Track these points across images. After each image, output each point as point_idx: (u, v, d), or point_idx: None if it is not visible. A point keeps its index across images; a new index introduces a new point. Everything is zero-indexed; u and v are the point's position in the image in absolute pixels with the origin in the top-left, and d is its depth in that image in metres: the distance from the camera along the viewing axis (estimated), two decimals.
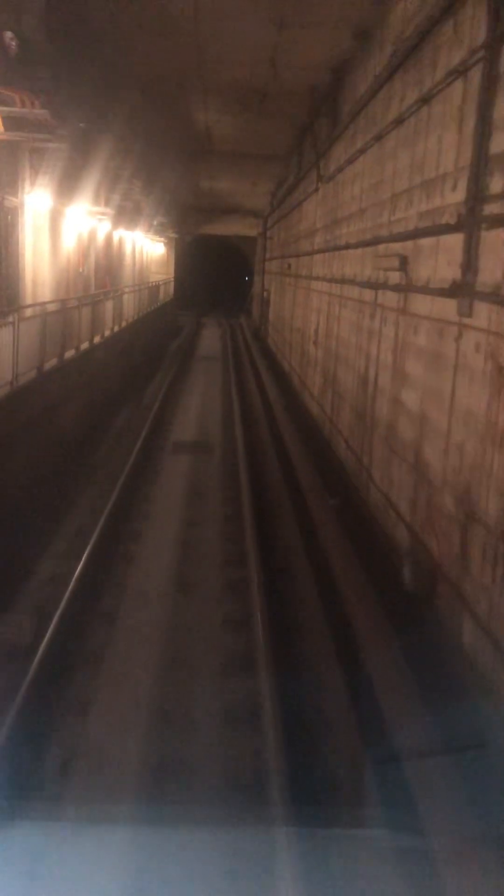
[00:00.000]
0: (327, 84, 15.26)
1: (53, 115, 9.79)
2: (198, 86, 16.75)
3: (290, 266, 24.82)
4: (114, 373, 19.75)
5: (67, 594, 7.49)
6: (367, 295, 11.28)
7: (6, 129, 11.64)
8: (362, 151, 12.04)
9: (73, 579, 7.84)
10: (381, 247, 10.31)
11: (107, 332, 19.02)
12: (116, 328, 20.61)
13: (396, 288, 9.39)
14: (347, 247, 13.31)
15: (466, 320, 6.82)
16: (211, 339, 38.16)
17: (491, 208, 6.36)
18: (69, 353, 14.42)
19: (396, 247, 9.47)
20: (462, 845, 4.10)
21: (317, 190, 17.72)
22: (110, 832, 4.12)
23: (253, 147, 24.47)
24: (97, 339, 17.60)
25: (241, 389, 21.59)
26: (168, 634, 7.36)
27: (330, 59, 13.87)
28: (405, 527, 8.40)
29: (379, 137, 10.75)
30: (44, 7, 9.53)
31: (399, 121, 9.57)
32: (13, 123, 11.59)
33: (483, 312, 6.44)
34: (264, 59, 14.39)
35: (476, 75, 6.77)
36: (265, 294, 36.58)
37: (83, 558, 8.38)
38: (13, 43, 10.18)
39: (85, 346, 16.04)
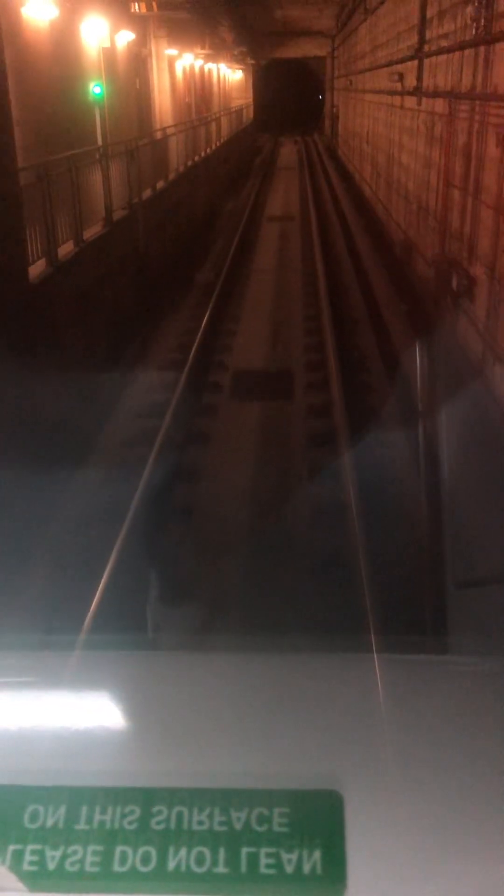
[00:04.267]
0: None
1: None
2: None
3: (351, 82, 30.35)
4: (221, 174, 26.54)
5: (224, 272, 14.94)
6: (386, 99, 17.72)
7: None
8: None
9: (229, 257, 15.32)
10: (391, 67, 16.67)
11: (210, 149, 25.63)
12: (217, 144, 27.13)
13: (396, 93, 15.88)
14: (380, 66, 19.45)
15: (419, 107, 13.48)
16: (288, 154, 43.85)
17: (426, 47, 12.86)
18: (194, 161, 21.30)
19: (399, 67, 15.83)
20: None
21: (364, 21, 23.39)
22: None
23: None
24: (206, 152, 24.31)
25: (313, 186, 28.26)
26: (274, 274, 14.83)
27: None
28: (401, 231, 15.42)
29: None
30: None
31: None
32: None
33: (426, 102, 13.09)
34: None
35: None
36: (334, 109, 41.68)
37: (226, 263, 15.78)
38: None
39: (201, 155, 22.83)
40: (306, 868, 0.90)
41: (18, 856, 0.91)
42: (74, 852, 0.91)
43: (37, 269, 8.22)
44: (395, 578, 5.02)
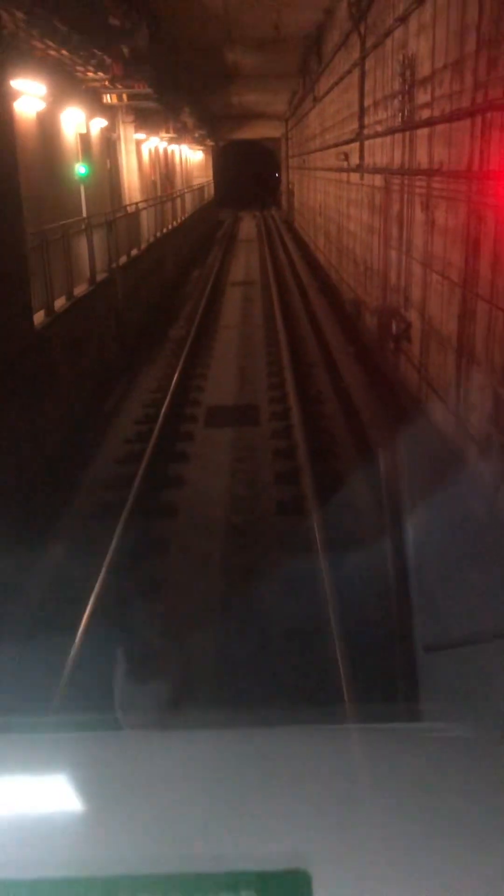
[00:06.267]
0: (314, 36, 23.25)
1: (154, 91, 18.33)
2: (227, 41, 24.83)
3: (304, 161, 32.92)
4: (185, 246, 28.53)
5: (195, 327, 16.56)
6: (335, 175, 19.83)
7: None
8: (330, 89, 20.31)
9: (196, 322, 16.96)
10: (338, 148, 18.80)
11: (176, 222, 27.67)
12: (182, 218, 29.23)
13: (343, 170, 17.93)
14: (328, 147, 21.67)
15: (362, 182, 15.43)
16: (248, 227, 46.62)
17: (365, 131, 14.87)
18: (161, 233, 23.20)
19: (344, 147, 17.91)
20: None
21: (313, 107, 25.87)
22: None
23: (269, 70, 32.23)
24: (171, 226, 26.30)
25: (272, 255, 30.44)
26: (239, 329, 16.46)
27: (313, 23, 21.95)
28: (351, 290, 17.24)
29: (338, 82, 19.02)
30: (147, 33, 17.91)
31: (341, 78, 17.89)
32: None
33: (367, 178, 15.02)
34: (270, 25, 22.48)
35: (358, 68, 15.17)
36: (290, 186, 44.55)
37: (196, 320, 17.42)
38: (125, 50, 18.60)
39: (168, 228, 24.78)
40: None
41: None
42: None
43: (38, 317, 9.70)
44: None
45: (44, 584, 6.39)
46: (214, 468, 9.03)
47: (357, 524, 6.97)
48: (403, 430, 9.00)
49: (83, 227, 12.71)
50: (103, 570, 6.24)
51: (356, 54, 15.28)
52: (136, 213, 19.58)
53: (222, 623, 5.85)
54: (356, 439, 9.55)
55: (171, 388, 11.79)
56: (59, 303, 10.75)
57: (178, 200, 28.57)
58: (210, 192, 50.24)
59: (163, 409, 10.71)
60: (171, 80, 23.47)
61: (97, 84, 18.11)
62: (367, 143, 14.84)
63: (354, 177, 16.22)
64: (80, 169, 14.97)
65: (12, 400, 8.06)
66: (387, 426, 9.47)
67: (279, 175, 58.56)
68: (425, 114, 9.78)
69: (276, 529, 7.46)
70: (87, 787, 1.14)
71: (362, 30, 14.61)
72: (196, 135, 41.30)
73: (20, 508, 7.72)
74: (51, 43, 12.69)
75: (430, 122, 9.50)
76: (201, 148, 49.07)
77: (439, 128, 9.09)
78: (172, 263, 24.05)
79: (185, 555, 7.02)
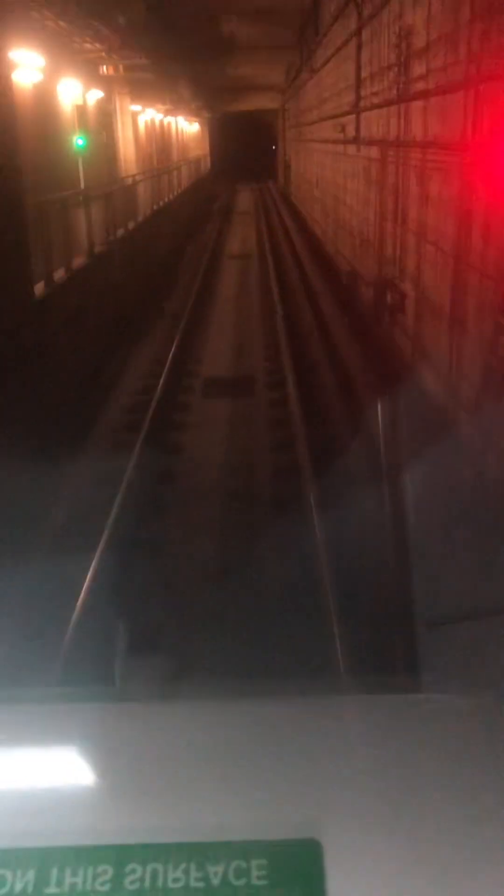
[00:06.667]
0: (311, 6, 23.12)
1: (151, 62, 18.29)
2: (224, 11, 24.68)
3: (301, 133, 32.79)
4: (182, 220, 28.54)
5: (192, 300, 16.68)
6: (331, 147, 19.85)
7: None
8: (328, 60, 20.26)
9: (192, 295, 17.08)
10: (335, 119, 18.80)
11: (173, 196, 27.63)
12: (178, 191, 29.18)
13: (340, 142, 17.96)
14: (325, 119, 21.64)
15: (358, 154, 15.49)
16: (245, 200, 46.43)
17: (362, 103, 14.91)
18: (158, 206, 23.21)
19: (342, 119, 17.93)
20: None
21: (310, 79, 25.75)
22: None
23: (267, 41, 31.99)
24: (168, 199, 26.28)
25: (269, 228, 30.44)
26: (236, 301, 16.58)
27: None
28: (347, 262, 17.36)
29: (335, 54, 18.98)
30: (144, 3, 17.87)
31: (338, 49, 17.86)
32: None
33: (363, 150, 15.09)
34: None
35: (355, 39, 15.18)
36: (286, 158, 44.33)
37: (193, 293, 17.53)
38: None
39: (164, 201, 24.77)
40: None
41: None
42: None
43: (38, 289, 9.85)
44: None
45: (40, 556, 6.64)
46: (211, 436, 9.24)
47: (348, 484, 7.18)
48: (396, 398, 9.23)
49: (81, 199, 12.80)
50: (108, 525, 6.49)
51: (353, 25, 15.26)
52: (134, 186, 19.60)
53: None
54: (350, 408, 9.75)
55: (169, 359, 11.95)
56: (59, 275, 10.89)
57: (175, 173, 28.51)
58: (206, 164, 49.98)
59: (161, 380, 10.89)
60: (168, 50, 23.35)
61: (94, 55, 18.07)
62: (363, 115, 14.88)
63: (351, 149, 16.27)
64: (78, 141, 15.00)
65: (15, 368, 8.24)
66: (380, 395, 9.67)
67: (276, 147, 58.20)
68: (420, 86, 9.87)
69: (271, 496, 7.69)
70: (95, 757, 1.15)
71: (359, 0, 14.61)
72: (192, 106, 41.04)
73: (26, 473, 7.93)
74: (48, 13, 12.71)
75: (424, 95, 9.60)
76: (197, 120, 48.72)
77: (433, 100, 9.20)
78: (169, 237, 24.07)
79: (183, 511, 7.26)
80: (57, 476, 8.07)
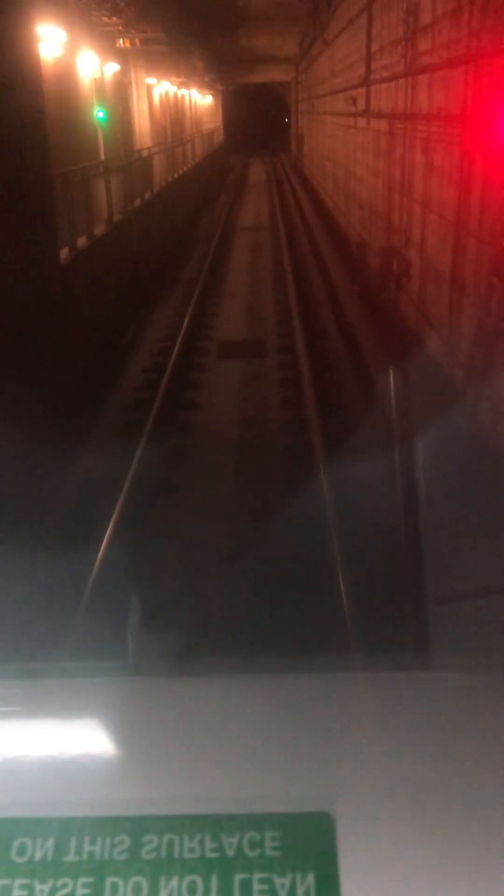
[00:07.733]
0: None
1: (166, 33, 18.70)
2: None
3: (313, 106, 33.02)
4: (195, 192, 28.97)
5: (206, 268, 17.21)
6: (343, 120, 20.24)
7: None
8: (340, 32, 20.58)
9: (206, 264, 17.61)
10: (347, 92, 19.17)
11: (187, 168, 28.02)
12: (192, 164, 29.55)
13: (352, 114, 18.37)
14: (337, 91, 21.98)
15: (369, 126, 15.92)
16: (257, 172, 46.70)
17: (372, 76, 15.31)
18: (172, 178, 23.65)
19: (352, 92, 18.31)
20: None
21: (323, 51, 26.01)
22: None
23: (280, 12, 32.17)
24: (182, 171, 26.68)
25: (281, 200, 30.85)
26: (248, 271, 17.13)
27: None
28: (357, 234, 17.83)
29: (347, 26, 19.31)
30: None
31: (350, 22, 18.22)
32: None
33: (373, 122, 15.52)
34: None
35: (366, 12, 15.55)
36: (299, 131, 44.49)
37: (207, 262, 18.06)
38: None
39: (178, 173, 25.20)
40: (300, 892, 0.89)
41: (6, 891, 0.90)
42: (64, 885, 0.90)
43: (63, 254, 10.44)
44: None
45: (75, 491, 7.30)
46: (226, 393, 9.87)
47: (353, 438, 7.81)
48: (400, 360, 9.80)
49: (101, 170, 13.34)
50: (129, 475, 7.14)
51: None
52: (150, 158, 20.08)
53: None
54: (356, 369, 10.34)
55: (185, 324, 12.55)
56: (81, 241, 11.47)
57: (189, 146, 28.89)
58: (219, 137, 50.11)
59: (177, 343, 11.49)
60: (183, 22, 23.68)
61: (111, 28, 18.51)
62: (373, 88, 15.30)
63: (361, 121, 16.70)
64: (99, 114, 15.51)
65: (42, 327, 8.87)
66: (385, 357, 10.25)
67: (289, 120, 58.16)
68: (426, 60, 10.34)
69: (281, 444, 8.32)
70: (113, 731, 1.18)
71: None
72: (206, 79, 41.21)
73: (51, 427, 8.59)
74: None
75: (430, 69, 10.07)
76: (211, 92, 48.81)
77: (438, 74, 9.68)
78: (183, 208, 24.55)
79: (202, 453, 7.92)
80: (87, 420, 8.75)
